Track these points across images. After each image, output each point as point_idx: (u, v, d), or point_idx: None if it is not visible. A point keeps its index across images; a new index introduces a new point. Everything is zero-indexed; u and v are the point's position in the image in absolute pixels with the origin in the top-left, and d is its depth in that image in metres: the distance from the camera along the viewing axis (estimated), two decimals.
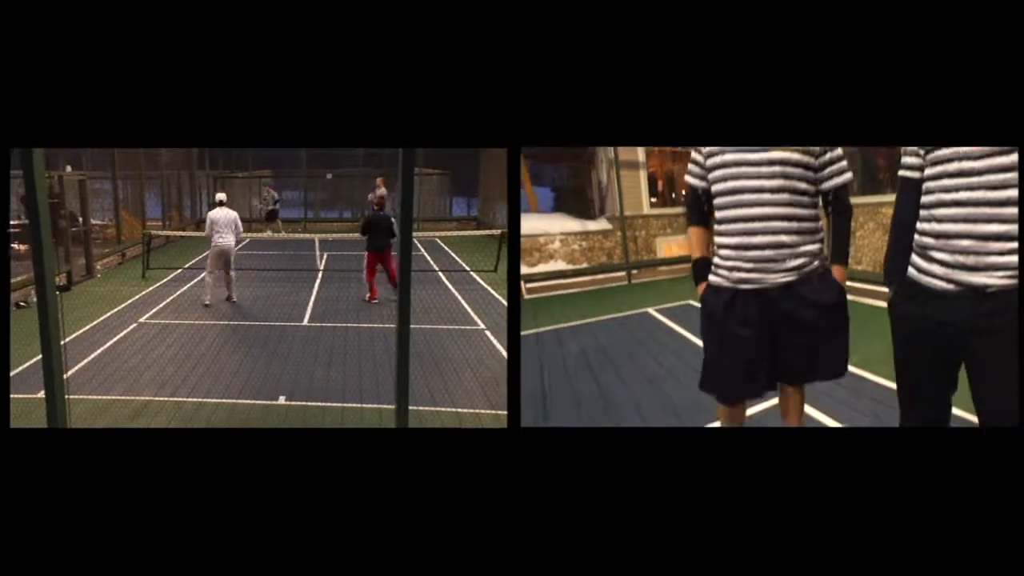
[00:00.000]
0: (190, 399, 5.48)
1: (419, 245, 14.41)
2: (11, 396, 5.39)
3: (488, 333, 7.57)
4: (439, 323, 7.83)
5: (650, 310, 8.62)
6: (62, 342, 3.24)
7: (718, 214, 2.79)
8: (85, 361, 6.50)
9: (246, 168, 20.43)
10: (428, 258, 13.06)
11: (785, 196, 2.61)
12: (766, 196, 2.61)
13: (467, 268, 11.77)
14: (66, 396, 3.25)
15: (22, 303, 8.55)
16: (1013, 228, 2.06)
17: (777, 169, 2.60)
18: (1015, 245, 2.07)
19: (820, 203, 2.74)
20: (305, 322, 8.18)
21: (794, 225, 2.64)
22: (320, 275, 11.29)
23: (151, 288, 10.05)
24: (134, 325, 7.91)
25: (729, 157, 2.66)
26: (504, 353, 6.71)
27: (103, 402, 5.41)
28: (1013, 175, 2.05)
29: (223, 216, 8.83)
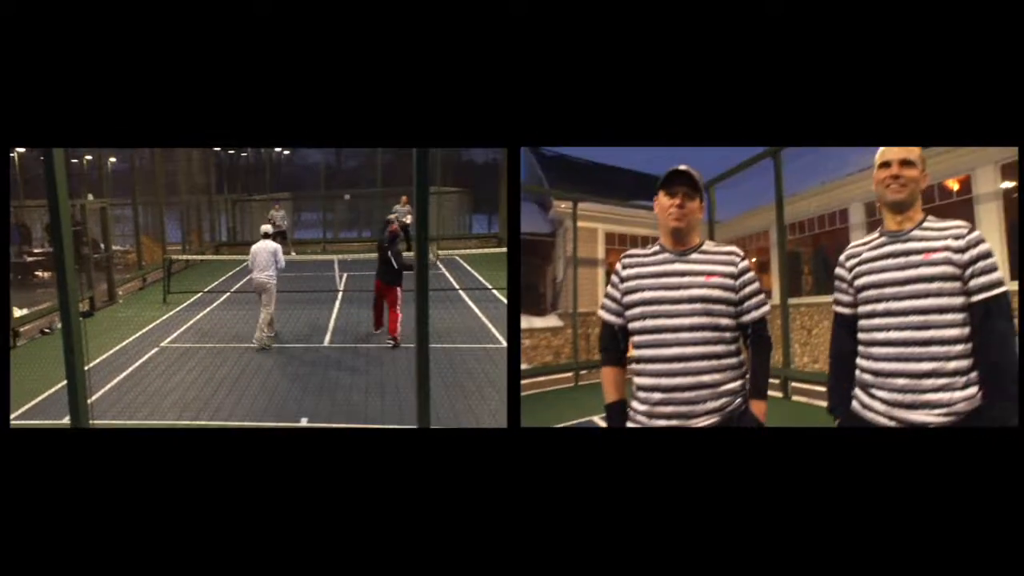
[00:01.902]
0: (212, 422, 5.49)
1: (439, 264, 14.41)
2: (36, 423, 5.47)
3: None
4: (461, 342, 7.80)
5: (595, 419, 6.43)
6: (86, 368, 3.24)
7: (636, 352, 2.59)
8: (108, 386, 6.52)
9: (264, 191, 20.58)
10: (449, 276, 13.06)
11: (705, 334, 2.43)
12: (684, 335, 2.43)
13: (488, 286, 11.75)
14: (90, 421, 3.25)
15: (47, 330, 8.64)
16: (944, 365, 2.11)
17: (698, 307, 2.42)
18: (947, 381, 2.11)
19: (740, 338, 2.53)
20: (326, 343, 8.19)
21: (715, 363, 2.45)
22: (340, 296, 11.30)
23: (172, 312, 10.10)
24: (156, 349, 7.95)
25: (648, 295, 2.48)
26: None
27: (127, 427, 5.41)
28: (934, 317, 2.11)
29: (260, 249, 8.02)
